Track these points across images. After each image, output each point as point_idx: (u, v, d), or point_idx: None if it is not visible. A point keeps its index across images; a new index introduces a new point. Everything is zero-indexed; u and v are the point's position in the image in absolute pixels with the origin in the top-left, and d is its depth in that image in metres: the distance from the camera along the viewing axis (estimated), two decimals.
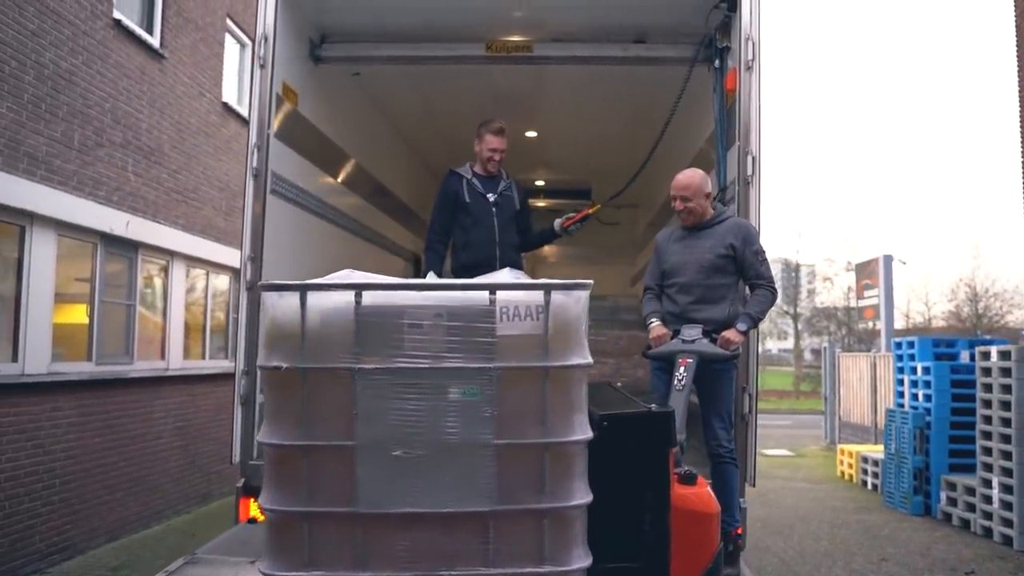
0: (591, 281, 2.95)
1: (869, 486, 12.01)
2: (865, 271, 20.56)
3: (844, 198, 74.50)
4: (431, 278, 4.91)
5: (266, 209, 4.98)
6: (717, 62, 5.36)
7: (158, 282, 9.16)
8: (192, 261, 9.70)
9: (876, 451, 12.17)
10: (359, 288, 2.86)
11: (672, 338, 4.36)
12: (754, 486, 4.68)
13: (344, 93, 6.59)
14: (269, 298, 2.99)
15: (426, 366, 2.81)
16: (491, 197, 5.33)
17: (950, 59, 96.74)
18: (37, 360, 6.89)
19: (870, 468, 12.05)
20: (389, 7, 5.64)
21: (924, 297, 39.57)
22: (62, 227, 7.23)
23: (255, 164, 4.93)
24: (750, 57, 4.80)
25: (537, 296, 2.84)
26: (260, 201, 4.95)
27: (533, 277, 9.96)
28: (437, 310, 2.83)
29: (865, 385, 15.68)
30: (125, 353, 8.44)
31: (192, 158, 9.64)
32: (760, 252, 4.47)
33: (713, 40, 5.32)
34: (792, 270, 40.13)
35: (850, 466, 13.07)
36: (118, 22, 7.99)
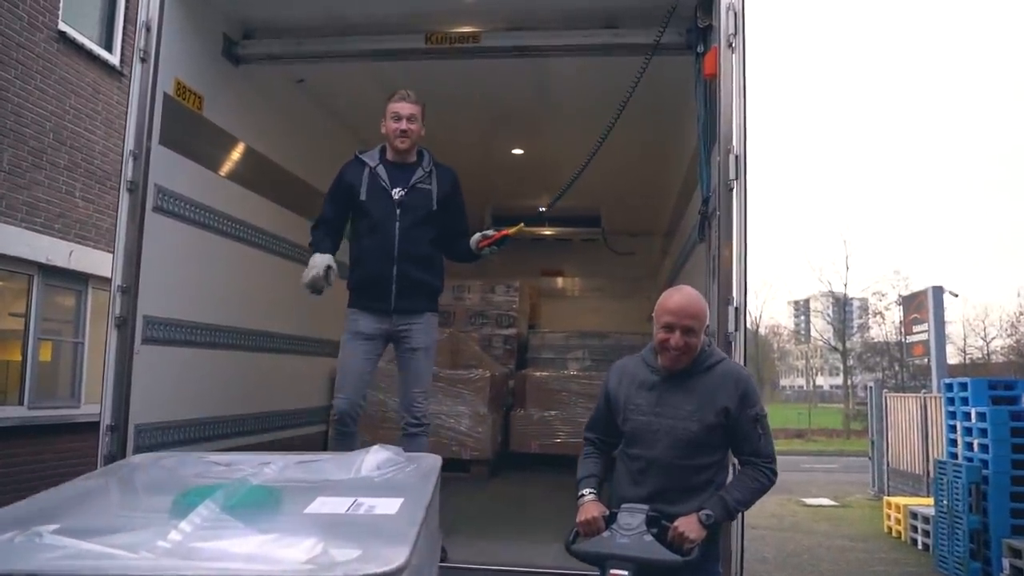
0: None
1: (920, 545, 10.63)
2: (913, 304, 19.07)
3: (894, 227, 71.79)
4: (315, 259, 3.94)
5: (145, 229, 4.14)
6: (700, 46, 4.38)
7: None
8: None
9: (927, 505, 10.80)
10: None
11: (607, 524, 2.94)
12: None
13: (277, 96, 5.74)
14: None
15: None
16: (396, 193, 4.03)
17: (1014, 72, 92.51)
18: None
19: (920, 525, 10.68)
20: None
21: (982, 331, 37.55)
22: None
23: (130, 176, 4.09)
24: (732, 31, 3.82)
25: None
26: (136, 220, 4.10)
27: (535, 313, 8.88)
28: None
29: (915, 429, 14.25)
30: (71, 396, 7.66)
31: None
32: (761, 418, 3.04)
33: (695, 18, 4.35)
34: (841, 304, 38.46)
35: (898, 521, 11.68)
36: (64, 35, 7.32)
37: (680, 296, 3.00)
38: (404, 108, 4.03)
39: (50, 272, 7.22)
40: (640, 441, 3.01)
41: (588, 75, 5.98)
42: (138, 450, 4.12)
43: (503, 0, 4.75)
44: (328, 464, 2.61)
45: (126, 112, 4.18)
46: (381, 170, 4.08)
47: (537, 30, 4.80)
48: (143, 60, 4.16)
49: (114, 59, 8.09)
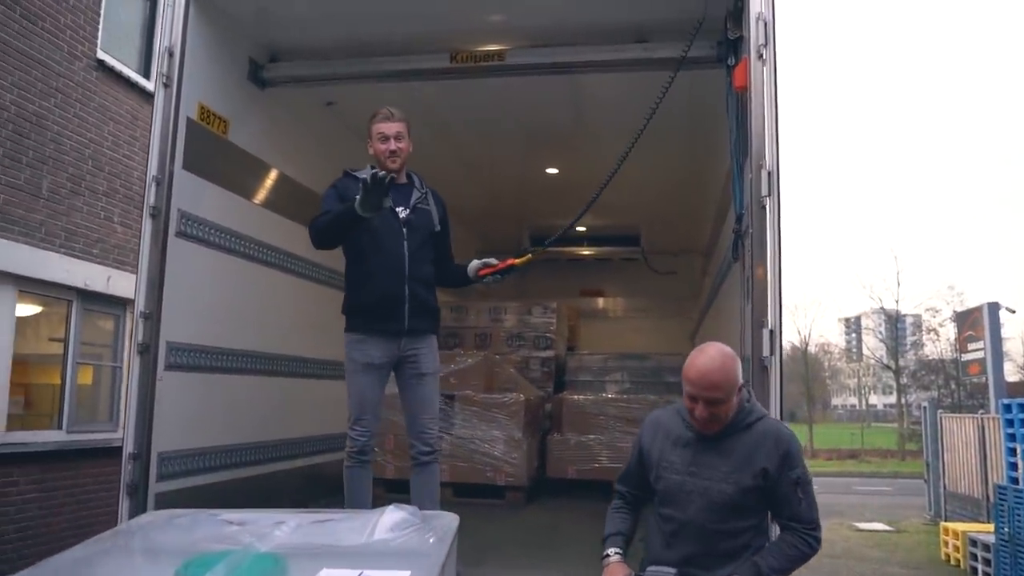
0: None
1: (980, 574, 10.17)
2: (968, 321, 18.39)
3: (946, 240, 69.56)
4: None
5: (168, 254, 4.11)
6: (731, 59, 4.23)
7: None
8: None
9: (988, 532, 10.32)
10: None
11: None
12: None
13: (305, 119, 5.72)
14: None
15: None
16: (402, 212, 3.86)
17: None
18: None
19: (980, 553, 10.22)
20: (342, 19, 4.77)
21: None
22: (23, 282, 6.57)
23: (152, 201, 4.07)
24: (762, 42, 3.67)
25: None
26: (159, 245, 4.08)
27: (573, 334, 8.67)
28: None
29: (973, 451, 13.69)
30: (109, 419, 7.70)
31: None
32: (803, 481, 2.79)
33: (725, 29, 4.20)
34: (893, 321, 37.47)
35: (956, 548, 11.21)
36: (102, 63, 7.43)
37: (702, 362, 2.72)
38: (390, 128, 3.85)
39: (88, 297, 7.30)
40: (673, 501, 2.81)
41: (622, 92, 5.86)
42: (161, 479, 4.08)
43: (528, 17, 4.66)
44: (342, 525, 2.54)
45: (148, 137, 4.17)
46: None
47: (563, 46, 4.69)
48: (166, 85, 4.15)
49: (152, 86, 8.18)
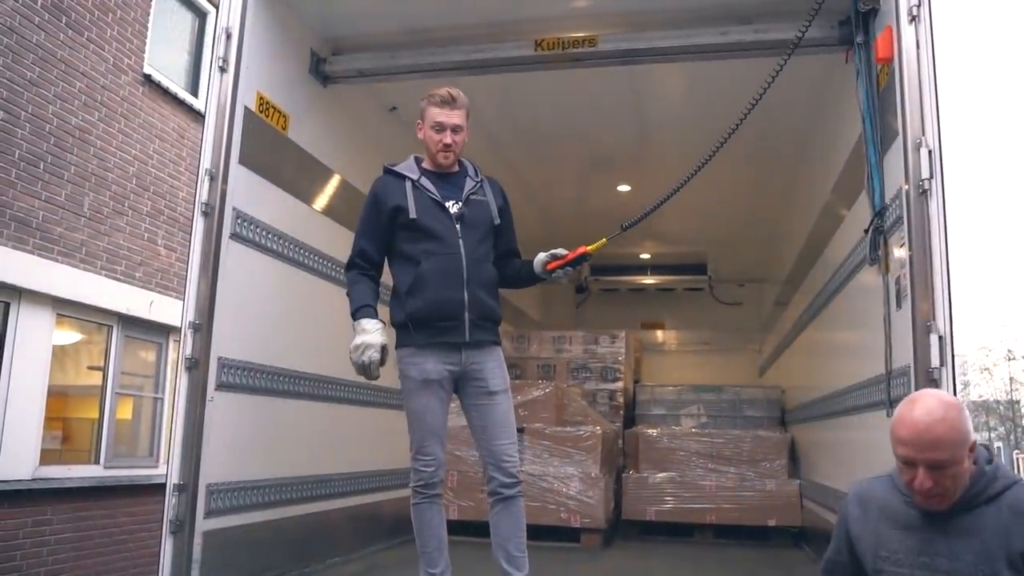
0: None
1: None
2: None
3: (999, 274, 65.69)
4: (369, 329, 3.14)
5: (221, 259, 3.62)
6: (860, 36, 3.69)
7: None
8: None
9: None
10: None
11: None
12: None
13: (367, 123, 5.27)
14: None
15: None
16: (453, 207, 3.30)
17: None
18: (18, 462, 5.72)
19: None
20: (413, 6, 4.34)
21: None
22: (61, 305, 6.16)
23: (205, 198, 3.60)
24: (915, 2, 3.13)
25: None
26: (212, 248, 3.60)
27: (638, 367, 8.09)
28: None
29: None
30: (149, 454, 7.22)
31: None
32: None
33: (855, 3, 3.65)
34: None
35: None
36: (149, 77, 7.10)
37: (918, 415, 2.08)
38: (449, 117, 3.27)
39: (130, 323, 6.87)
40: None
41: (694, 108, 5.44)
42: (209, 515, 3.54)
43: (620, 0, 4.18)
44: None
45: (202, 127, 3.72)
46: (426, 182, 3.31)
47: (661, 30, 4.18)
48: (222, 69, 3.72)
49: (200, 104, 7.84)
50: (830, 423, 4.96)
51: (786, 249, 7.38)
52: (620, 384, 7.61)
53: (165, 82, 7.31)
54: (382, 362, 3.20)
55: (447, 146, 3.28)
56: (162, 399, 7.34)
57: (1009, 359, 31.03)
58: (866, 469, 3.99)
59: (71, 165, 6.25)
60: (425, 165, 3.38)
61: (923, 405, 2.10)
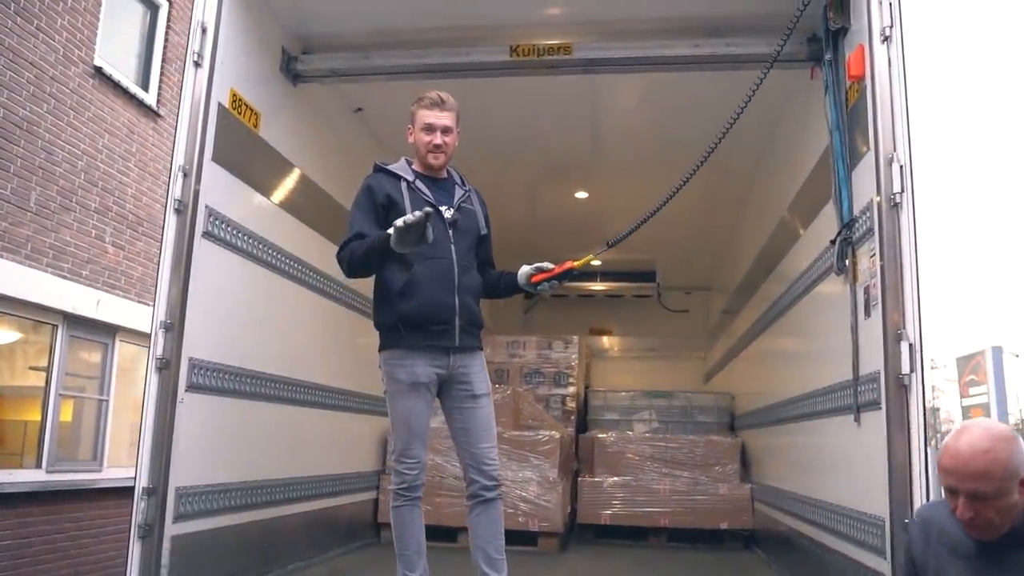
0: None
1: None
2: (969, 366, 18.16)
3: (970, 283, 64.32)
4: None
5: (193, 258, 3.55)
6: (829, 54, 3.82)
7: (142, 374, 7.78)
8: None
9: None
10: None
11: None
12: None
13: (334, 123, 5.23)
14: None
15: None
16: (447, 212, 3.32)
17: None
18: None
19: None
20: (387, 7, 4.32)
21: None
22: (5, 303, 5.93)
23: (178, 195, 3.53)
24: (887, 23, 3.25)
25: None
26: (184, 246, 3.52)
27: (583, 374, 8.14)
28: None
29: None
30: (93, 458, 6.99)
31: None
32: None
33: (825, 21, 3.78)
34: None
35: None
36: (99, 70, 6.90)
37: (963, 445, 2.06)
38: (439, 118, 3.29)
39: (75, 322, 6.64)
40: None
41: (649, 118, 5.56)
42: (178, 519, 3.46)
43: (596, 9, 4.23)
44: None
45: (175, 122, 3.63)
46: (420, 184, 3.33)
47: (636, 41, 4.25)
48: (197, 64, 3.65)
49: (151, 99, 7.66)
50: (786, 428, 5.08)
51: (736, 259, 7.55)
52: (572, 389, 7.66)
53: (116, 75, 7.10)
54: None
55: (437, 147, 3.29)
56: (107, 401, 7.11)
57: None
58: (824, 472, 4.13)
59: (17, 158, 6.03)
60: (416, 168, 3.37)
61: (969, 436, 2.08)
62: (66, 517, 6.46)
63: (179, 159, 3.55)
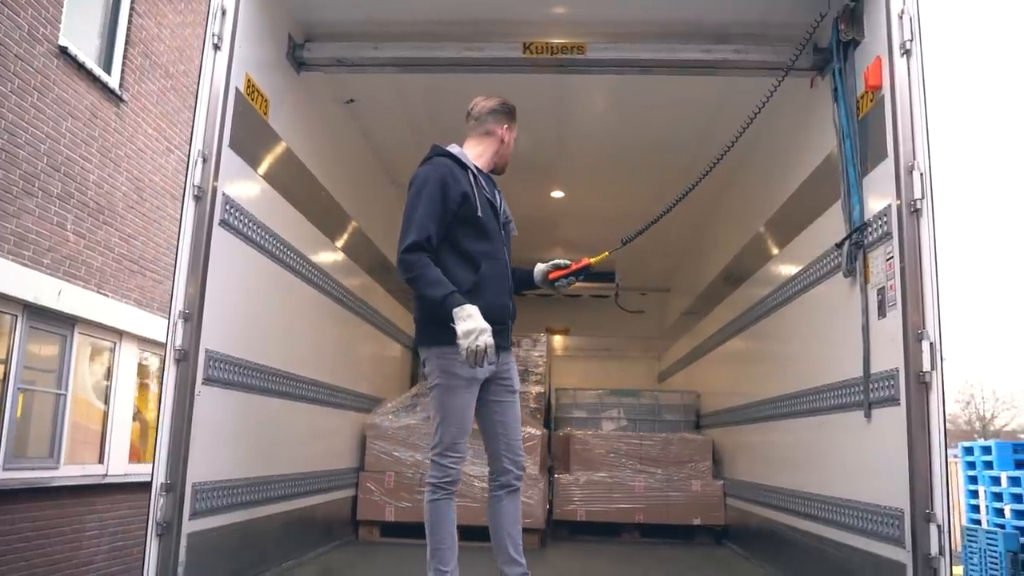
0: None
1: None
2: None
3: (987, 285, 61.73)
4: (475, 315, 2.93)
5: (212, 247, 3.45)
6: (838, 63, 3.94)
7: (100, 367, 7.50)
8: (147, 344, 8.06)
9: None
10: None
11: None
12: None
13: (330, 117, 5.16)
14: None
15: None
16: (503, 211, 3.43)
17: None
18: None
19: None
20: None
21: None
22: None
23: (198, 181, 3.42)
24: (908, 37, 3.39)
25: None
26: (203, 234, 3.42)
27: (548, 373, 8.09)
28: None
29: None
30: (49, 455, 6.71)
31: (153, 222, 8.14)
32: None
33: (836, 33, 3.91)
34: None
35: None
36: (64, 50, 6.62)
37: None
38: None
39: (35, 312, 6.36)
40: None
41: (619, 120, 5.66)
42: (194, 516, 3.36)
43: (610, 9, 4.27)
44: None
45: (194, 106, 3.52)
46: (484, 181, 3.34)
47: (646, 43, 4.31)
48: (216, 47, 3.55)
49: (113, 82, 7.38)
50: (772, 425, 5.21)
51: (705, 262, 7.70)
52: (542, 387, 7.70)
53: (81, 56, 6.82)
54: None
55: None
56: (65, 395, 6.83)
57: None
58: (825, 467, 4.25)
59: None
60: (474, 158, 3.37)
61: None
62: (22, 516, 6.18)
63: (198, 144, 3.44)
